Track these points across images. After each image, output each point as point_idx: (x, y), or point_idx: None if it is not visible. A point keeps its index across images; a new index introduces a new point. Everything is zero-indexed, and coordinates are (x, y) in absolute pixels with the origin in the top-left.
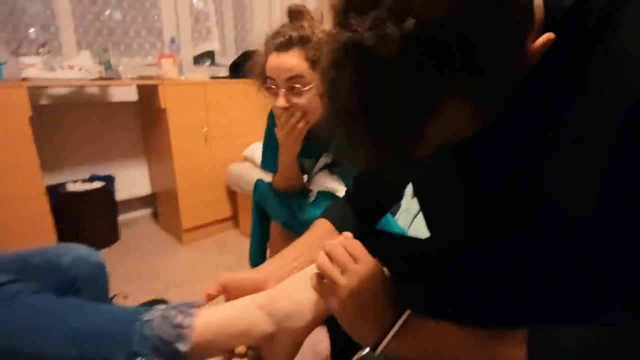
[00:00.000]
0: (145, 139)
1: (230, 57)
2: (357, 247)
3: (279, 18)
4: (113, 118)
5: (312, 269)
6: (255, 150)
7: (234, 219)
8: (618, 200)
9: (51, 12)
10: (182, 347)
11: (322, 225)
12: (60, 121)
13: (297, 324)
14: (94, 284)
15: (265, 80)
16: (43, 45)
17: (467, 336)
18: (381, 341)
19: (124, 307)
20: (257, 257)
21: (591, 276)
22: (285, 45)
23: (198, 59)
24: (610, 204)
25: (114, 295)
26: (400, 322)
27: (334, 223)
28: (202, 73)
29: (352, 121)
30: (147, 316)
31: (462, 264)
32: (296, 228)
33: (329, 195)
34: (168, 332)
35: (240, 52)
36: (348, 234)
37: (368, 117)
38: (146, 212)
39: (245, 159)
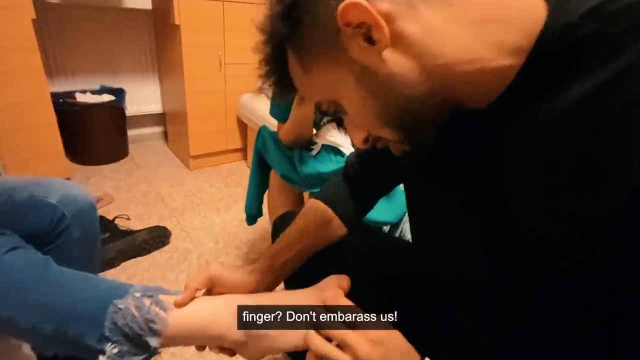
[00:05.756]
0: (158, 54)
1: None
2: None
3: None
4: (125, 26)
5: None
6: None
7: (243, 151)
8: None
9: None
10: (153, 342)
11: (316, 209)
12: (67, 22)
13: (268, 344)
14: (83, 224)
15: None
16: None
17: None
18: None
19: (103, 281)
20: (253, 206)
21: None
22: None
23: None
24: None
25: (116, 217)
26: None
27: (329, 206)
28: None
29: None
30: (120, 304)
31: (449, 288)
32: (296, 181)
33: (333, 150)
34: (140, 325)
35: None
36: (332, 297)
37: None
38: (156, 130)
39: (260, 92)
